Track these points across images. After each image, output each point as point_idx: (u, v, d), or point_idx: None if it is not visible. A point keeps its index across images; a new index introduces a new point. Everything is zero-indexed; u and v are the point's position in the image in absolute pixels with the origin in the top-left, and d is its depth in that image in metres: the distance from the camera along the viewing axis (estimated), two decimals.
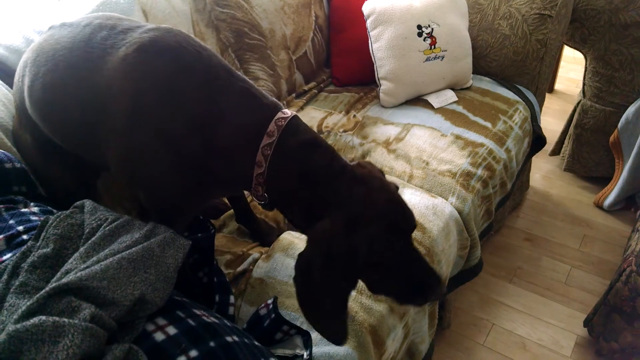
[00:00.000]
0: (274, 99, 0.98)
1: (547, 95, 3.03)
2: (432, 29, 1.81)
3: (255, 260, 1.22)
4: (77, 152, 1.08)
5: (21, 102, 1.10)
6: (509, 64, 1.99)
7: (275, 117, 0.91)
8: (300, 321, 1.06)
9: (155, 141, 0.89)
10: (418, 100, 1.85)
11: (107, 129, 0.93)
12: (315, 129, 1.74)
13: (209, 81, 0.91)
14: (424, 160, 1.57)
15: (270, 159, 0.88)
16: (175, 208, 0.99)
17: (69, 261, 0.73)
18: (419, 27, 1.80)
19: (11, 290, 0.70)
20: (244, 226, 1.34)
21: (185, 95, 0.89)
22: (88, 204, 0.81)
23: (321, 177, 0.88)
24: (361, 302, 1.13)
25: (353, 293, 1.11)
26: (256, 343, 0.84)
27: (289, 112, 0.93)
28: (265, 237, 1.33)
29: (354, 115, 1.80)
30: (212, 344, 0.75)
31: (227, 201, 1.38)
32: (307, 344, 1.02)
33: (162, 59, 0.90)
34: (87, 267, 0.70)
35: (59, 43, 1.00)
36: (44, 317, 0.62)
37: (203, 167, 0.92)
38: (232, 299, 1.06)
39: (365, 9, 1.84)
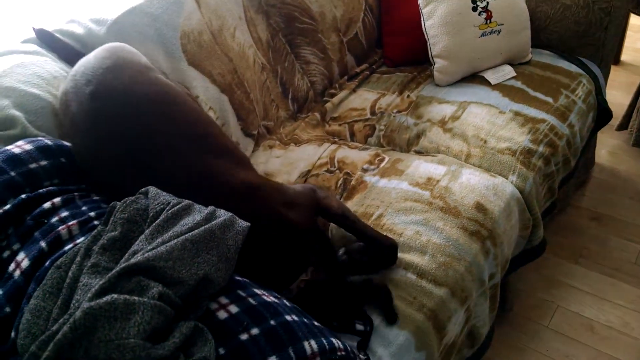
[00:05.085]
0: None
1: (613, 67, 2.85)
2: (488, 3, 1.75)
3: None
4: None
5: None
6: (570, 36, 1.89)
7: None
8: None
9: None
10: (474, 77, 1.79)
11: None
12: (368, 111, 1.73)
13: None
14: (481, 138, 1.53)
15: None
16: None
17: (136, 243, 0.76)
18: (474, 1, 1.74)
19: (84, 271, 0.75)
20: None
21: None
22: (152, 189, 0.85)
23: None
24: (421, 285, 1.12)
25: (413, 277, 1.15)
26: (315, 323, 0.85)
27: None
28: None
29: (408, 95, 1.77)
30: (272, 322, 0.77)
31: None
32: (367, 328, 1.02)
33: None
34: (153, 249, 0.73)
35: None
36: (115, 295, 0.66)
37: None
38: None
39: None
